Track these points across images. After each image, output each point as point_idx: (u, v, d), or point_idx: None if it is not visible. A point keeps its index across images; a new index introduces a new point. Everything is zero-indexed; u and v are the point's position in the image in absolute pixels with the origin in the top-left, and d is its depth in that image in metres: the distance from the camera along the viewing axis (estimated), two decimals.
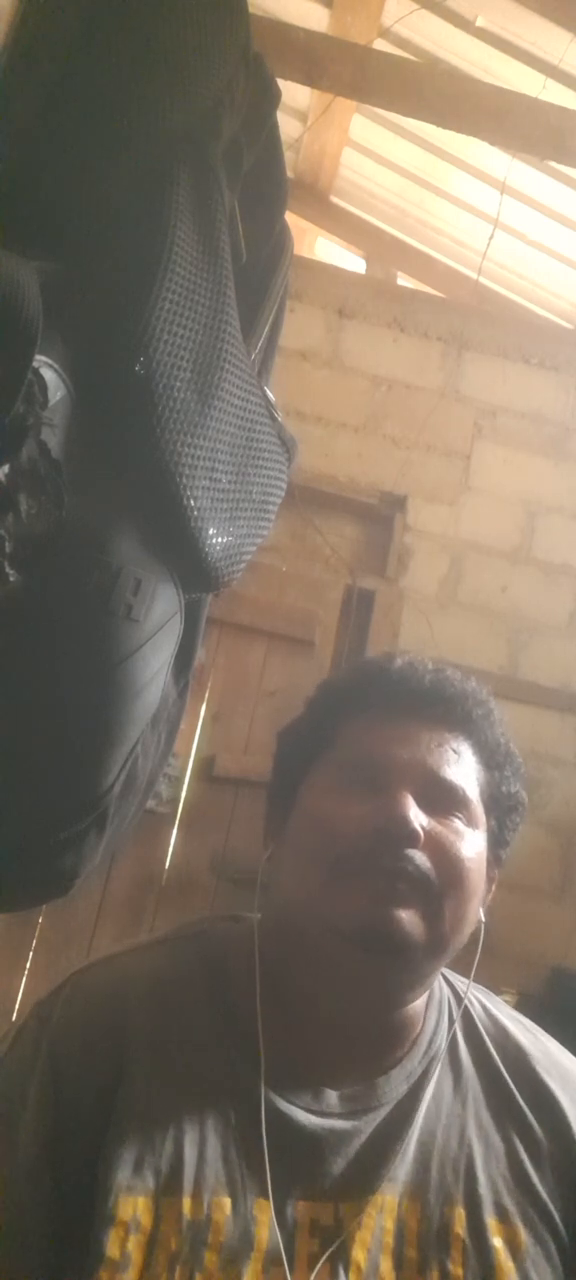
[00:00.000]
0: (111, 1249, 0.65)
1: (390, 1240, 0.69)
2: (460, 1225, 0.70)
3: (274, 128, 1.03)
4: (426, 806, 0.74)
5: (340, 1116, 0.73)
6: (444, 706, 0.79)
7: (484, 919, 0.79)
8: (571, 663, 2.91)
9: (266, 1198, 0.68)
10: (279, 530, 1.32)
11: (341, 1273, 0.67)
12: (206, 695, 2.80)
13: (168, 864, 2.70)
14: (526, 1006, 0.88)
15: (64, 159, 0.82)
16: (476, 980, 0.85)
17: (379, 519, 3.04)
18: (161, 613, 0.84)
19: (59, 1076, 0.71)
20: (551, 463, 3.07)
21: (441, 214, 3.32)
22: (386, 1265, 0.68)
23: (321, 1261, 0.67)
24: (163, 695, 0.88)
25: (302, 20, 2.40)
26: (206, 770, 2.75)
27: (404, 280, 3.52)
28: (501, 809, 0.80)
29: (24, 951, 2.57)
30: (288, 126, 2.97)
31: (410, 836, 0.71)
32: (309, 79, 2.21)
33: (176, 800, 2.72)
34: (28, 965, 2.57)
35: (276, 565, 2.86)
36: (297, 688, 0.89)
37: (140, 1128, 0.69)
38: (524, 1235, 0.70)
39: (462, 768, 0.77)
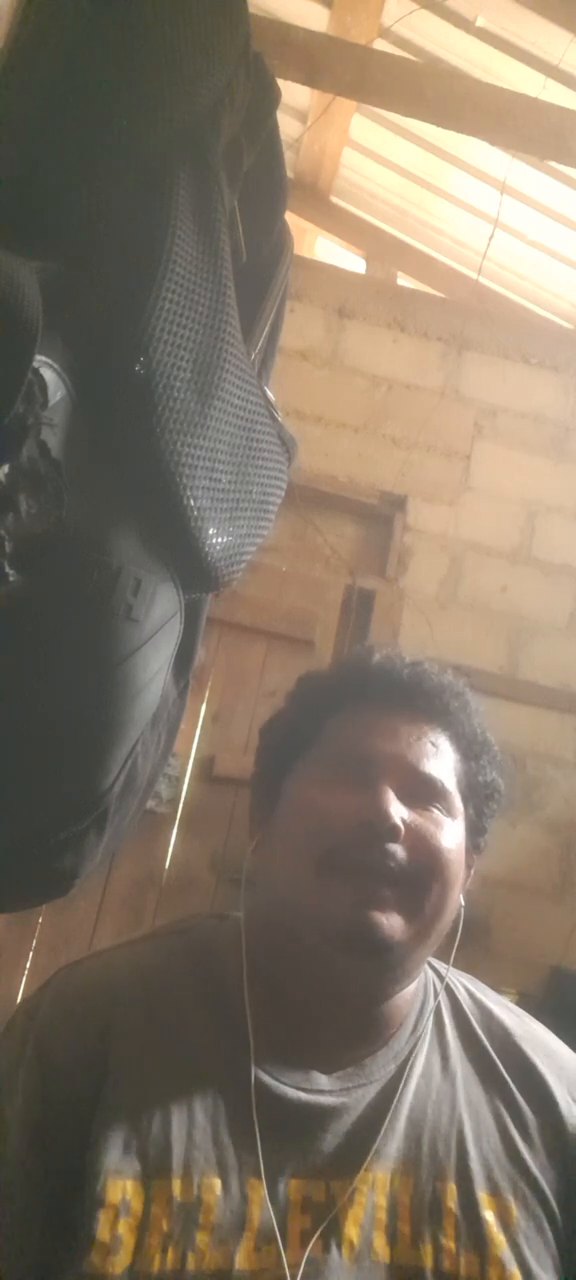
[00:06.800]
0: (102, 1232, 0.65)
1: (383, 1216, 0.70)
2: (452, 1200, 0.71)
3: (274, 128, 1.03)
4: (406, 799, 0.76)
5: (330, 1094, 0.74)
6: (422, 700, 0.81)
7: (463, 904, 0.81)
8: (571, 663, 2.91)
9: (258, 1177, 0.69)
10: (279, 530, 1.32)
11: (334, 1249, 0.68)
12: (206, 695, 2.80)
13: (168, 864, 2.70)
14: (526, 1006, 0.89)
15: (64, 159, 0.82)
16: (478, 980, 0.87)
17: (379, 519, 3.04)
18: (161, 613, 0.84)
19: (46, 1069, 0.72)
20: (551, 463, 3.07)
21: (441, 214, 3.32)
22: (380, 1240, 0.69)
23: (314, 1238, 0.68)
24: (163, 695, 0.88)
25: (302, 20, 2.40)
26: (206, 770, 2.75)
27: (404, 280, 3.52)
28: (479, 797, 0.82)
29: (24, 951, 2.57)
30: (288, 126, 2.97)
31: (391, 831, 0.73)
32: (309, 79, 2.22)
33: (176, 800, 2.72)
34: (28, 965, 2.57)
35: (276, 565, 2.86)
36: None
37: (127, 1113, 0.70)
38: (515, 1208, 0.71)
39: (441, 760, 0.79)
